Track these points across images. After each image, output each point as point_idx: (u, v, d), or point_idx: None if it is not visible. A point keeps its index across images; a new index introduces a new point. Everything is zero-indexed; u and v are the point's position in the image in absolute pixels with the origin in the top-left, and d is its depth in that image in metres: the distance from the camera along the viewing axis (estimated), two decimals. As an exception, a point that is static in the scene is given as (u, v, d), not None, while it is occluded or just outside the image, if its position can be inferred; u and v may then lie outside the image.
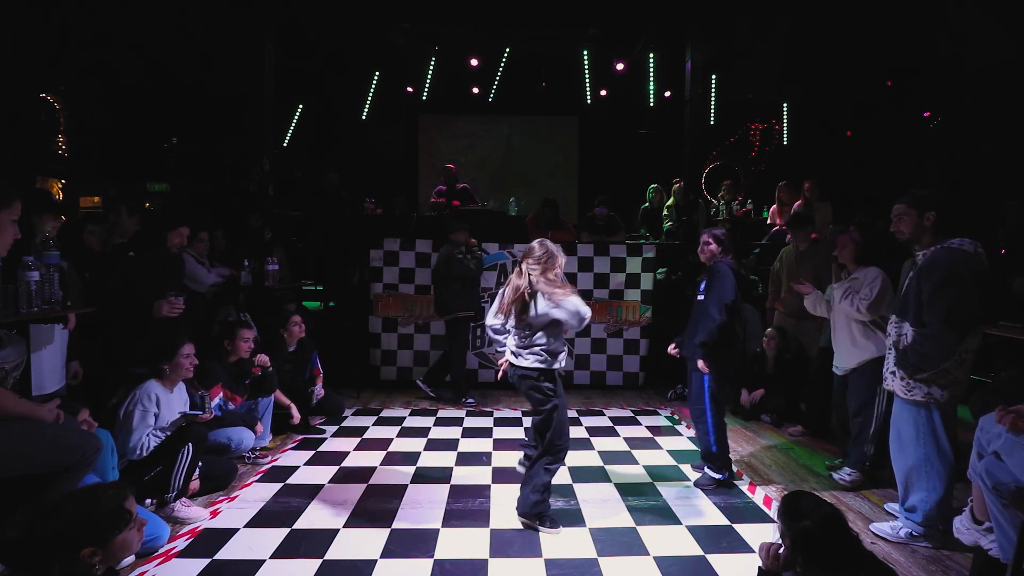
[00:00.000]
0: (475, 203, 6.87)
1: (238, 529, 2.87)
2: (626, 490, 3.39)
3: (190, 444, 2.96)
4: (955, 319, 2.57)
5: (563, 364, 2.96)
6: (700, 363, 3.29)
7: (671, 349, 3.69)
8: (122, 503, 1.74)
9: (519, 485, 3.34)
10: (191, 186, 7.79)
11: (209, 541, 2.75)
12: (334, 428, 4.50)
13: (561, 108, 9.45)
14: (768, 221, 7.03)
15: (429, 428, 4.55)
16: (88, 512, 1.65)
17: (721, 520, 3.02)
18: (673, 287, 6.06)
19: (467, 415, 4.93)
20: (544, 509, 2.92)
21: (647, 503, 3.22)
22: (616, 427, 4.64)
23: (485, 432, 4.48)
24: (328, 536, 2.81)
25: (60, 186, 7.53)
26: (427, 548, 2.70)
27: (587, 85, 8.58)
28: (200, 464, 3.14)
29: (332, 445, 4.15)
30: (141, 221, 3.74)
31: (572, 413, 4.95)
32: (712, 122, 8.93)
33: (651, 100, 8.20)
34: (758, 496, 3.33)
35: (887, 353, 2.91)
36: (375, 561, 2.59)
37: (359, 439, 4.27)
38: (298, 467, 3.71)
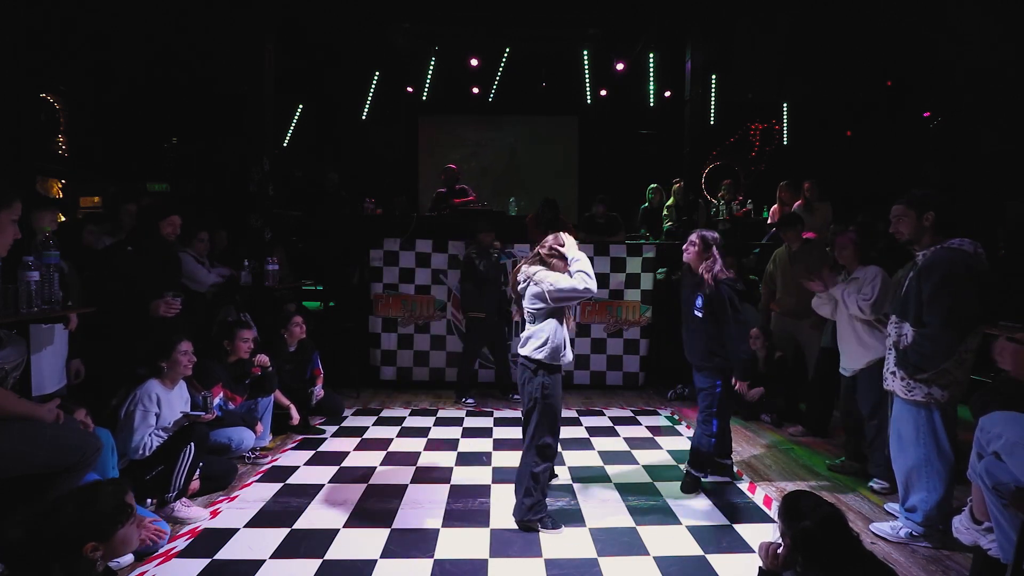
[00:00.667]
0: (475, 203, 6.86)
1: (238, 529, 2.87)
2: (626, 490, 3.39)
3: (192, 444, 2.96)
4: (955, 319, 2.57)
5: (564, 361, 2.93)
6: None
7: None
8: (122, 498, 1.74)
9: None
10: (191, 186, 7.79)
11: (209, 541, 2.75)
12: (334, 428, 4.50)
13: (561, 108, 9.44)
14: (768, 221, 7.03)
15: (429, 428, 4.55)
16: (89, 508, 1.66)
17: (721, 520, 3.02)
18: (673, 287, 6.06)
19: (467, 415, 4.93)
20: (541, 511, 2.90)
21: (647, 503, 3.22)
22: (616, 427, 4.64)
23: (485, 432, 4.48)
24: (328, 536, 2.81)
25: (60, 186, 7.53)
26: (427, 548, 2.70)
27: (587, 85, 8.57)
28: (200, 464, 3.14)
29: (332, 445, 4.15)
30: (136, 219, 3.76)
31: (572, 413, 4.96)
32: (712, 122, 8.93)
33: (651, 100, 8.20)
34: (758, 496, 3.33)
35: (887, 353, 2.91)
36: (375, 561, 2.59)
37: (359, 439, 4.27)
38: (298, 467, 3.71)
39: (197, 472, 3.13)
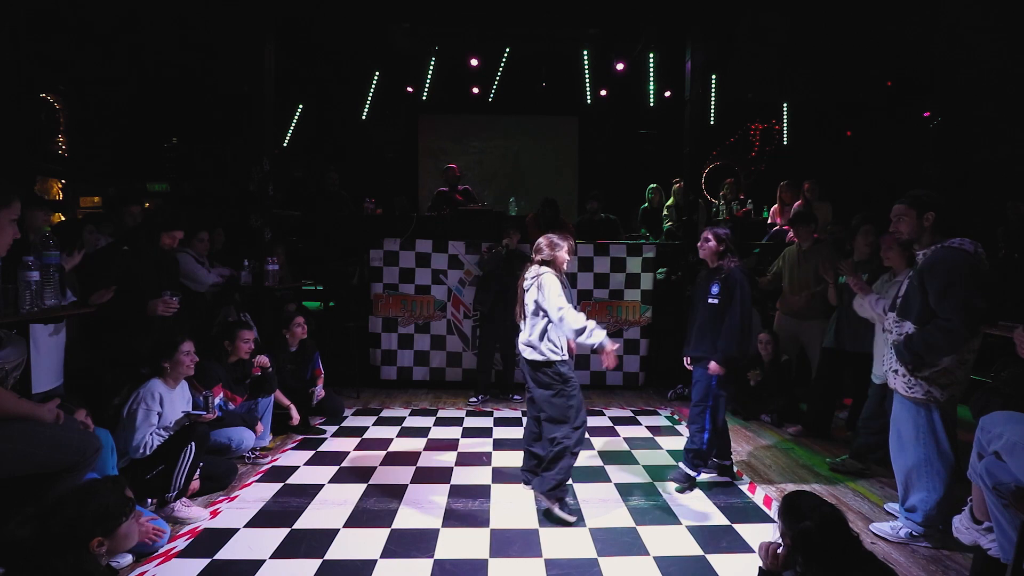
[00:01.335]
0: (475, 203, 6.86)
1: (238, 529, 2.87)
2: (626, 490, 3.40)
3: (193, 443, 2.96)
4: (969, 314, 2.56)
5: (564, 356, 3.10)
6: (714, 365, 3.28)
7: (687, 364, 3.62)
8: (122, 492, 1.75)
9: (519, 485, 3.36)
10: (191, 186, 7.79)
11: (209, 541, 2.75)
12: (334, 428, 4.50)
13: (561, 108, 9.44)
14: (768, 221, 7.03)
15: (429, 428, 4.55)
16: (91, 503, 1.67)
17: (721, 520, 3.02)
18: (673, 287, 6.06)
19: (467, 415, 4.93)
20: (563, 493, 3.02)
21: (647, 503, 3.23)
22: (616, 427, 4.64)
23: (485, 432, 4.48)
24: (328, 536, 2.81)
25: (60, 186, 7.53)
26: (427, 548, 2.70)
27: (587, 85, 8.56)
28: (200, 464, 3.14)
29: (332, 445, 4.15)
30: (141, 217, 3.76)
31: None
32: (712, 122, 8.92)
33: (651, 100, 8.19)
34: (758, 496, 3.33)
35: (888, 352, 2.91)
36: (375, 561, 2.59)
37: (359, 439, 4.27)
38: (298, 467, 3.71)
39: (197, 472, 3.13)
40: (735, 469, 3.65)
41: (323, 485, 3.43)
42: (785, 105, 9.17)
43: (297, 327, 4.44)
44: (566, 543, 2.77)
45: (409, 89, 8.89)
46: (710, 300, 3.37)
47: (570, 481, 3.51)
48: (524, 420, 4.73)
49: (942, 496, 2.70)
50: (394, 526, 2.92)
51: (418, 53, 8.24)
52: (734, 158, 9.43)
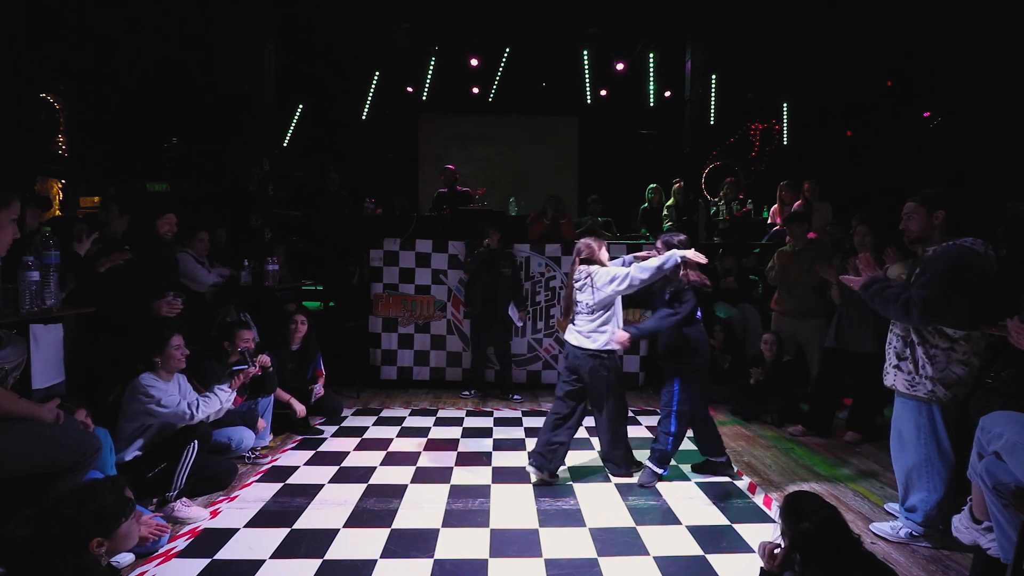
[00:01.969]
0: (474, 203, 6.87)
1: (238, 529, 2.87)
2: (626, 490, 3.39)
3: (196, 441, 2.96)
4: (937, 304, 2.55)
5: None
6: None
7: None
8: (121, 492, 1.75)
9: (519, 485, 3.37)
10: (191, 186, 7.79)
11: (209, 541, 2.75)
12: (334, 428, 4.50)
13: (561, 108, 9.44)
14: (768, 221, 7.03)
15: (429, 428, 4.55)
16: (91, 504, 1.67)
17: (721, 520, 3.02)
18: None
19: (467, 415, 4.93)
20: (629, 457, 3.58)
21: (647, 503, 3.23)
22: (616, 427, 4.63)
23: (485, 432, 4.48)
24: (328, 536, 2.81)
25: (60, 186, 7.53)
26: (427, 548, 2.70)
27: (587, 85, 8.56)
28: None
29: (332, 445, 4.15)
30: (131, 220, 3.73)
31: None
32: (712, 122, 8.92)
33: (651, 100, 8.19)
34: (758, 496, 3.33)
35: (888, 349, 2.91)
36: (375, 561, 2.59)
37: (359, 439, 4.27)
38: (298, 467, 3.71)
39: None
40: (735, 469, 3.65)
41: (323, 485, 3.43)
42: (785, 105, 9.17)
43: (301, 325, 4.48)
44: (566, 543, 2.77)
45: (409, 89, 8.89)
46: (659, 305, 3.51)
47: (570, 481, 3.52)
48: (525, 420, 4.76)
49: (942, 496, 2.70)
50: (394, 526, 2.92)
51: (418, 53, 8.25)
52: (734, 158, 9.44)
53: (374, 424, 4.65)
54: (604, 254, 3.52)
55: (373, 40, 7.70)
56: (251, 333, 3.92)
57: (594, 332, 3.41)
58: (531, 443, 4.19)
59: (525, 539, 2.80)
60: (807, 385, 5.01)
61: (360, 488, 3.38)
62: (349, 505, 3.15)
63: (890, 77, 8.14)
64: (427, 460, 3.87)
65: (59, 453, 2.18)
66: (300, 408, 4.25)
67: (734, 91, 8.79)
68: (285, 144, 8.70)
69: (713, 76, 8.44)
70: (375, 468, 3.70)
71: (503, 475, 3.59)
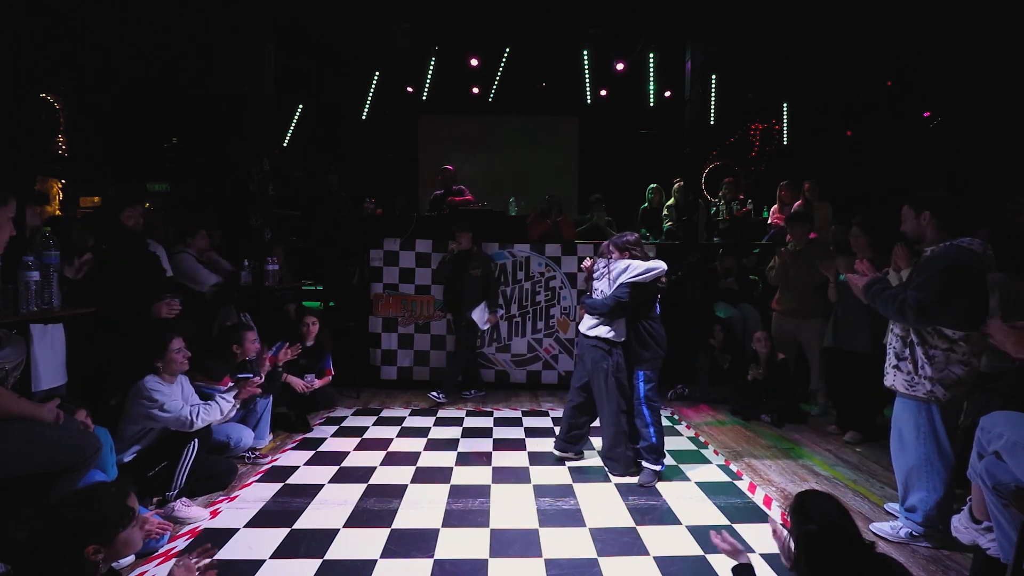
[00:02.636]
0: (474, 203, 6.87)
1: (238, 529, 2.87)
2: (626, 490, 3.39)
3: (196, 440, 2.96)
4: (932, 306, 2.57)
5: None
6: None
7: None
8: (124, 500, 1.74)
9: (519, 485, 3.39)
10: (191, 186, 7.79)
11: (209, 541, 2.73)
12: (334, 428, 4.50)
13: (561, 108, 9.43)
14: (768, 221, 7.04)
15: (429, 428, 4.55)
16: (90, 511, 1.66)
17: (721, 520, 3.02)
18: (673, 287, 6.05)
19: (467, 415, 4.93)
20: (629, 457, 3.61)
21: (647, 503, 3.23)
22: (616, 427, 4.63)
23: (485, 432, 4.48)
24: (328, 536, 2.81)
25: (60, 186, 7.52)
26: (427, 548, 2.70)
27: (587, 85, 8.56)
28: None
29: (332, 445, 4.15)
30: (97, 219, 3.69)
31: (572, 413, 4.96)
32: (712, 122, 8.92)
33: (651, 100, 8.19)
34: (758, 496, 3.33)
35: (888, 349, 2.92)
36: (375, 561, 2.59)
37: (359, 439, 4.27)
38: (298, 467, 3.71)
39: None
40: (735, 469, 3.65)
41: (323, 485, 3.43)
42: (785, 105, 9.17)
43: (313, 324, 4.59)
44: (566, 543, 2.77)
45: (409, 89, 8.89)
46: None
47: (570, 481, 3.52)
48: (525, 420, 4.76)
49: (942, 496, 2.70)
50: (394, 526, 2.92)
51: (418, 53, 8.24)
52: (734, 158, 9.44)
53: (374, 424, 4.65)
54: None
55: (373, 40, 7.69)
56: (255, 334, 3.95)
57: (596, 322, 3.60)
58: (531, 443, 4.20)
59: (525, 539, 2.80)
60: (807, 385, 5.02)
61: (360, 488, 3.38)
62: (349, 505, 3.15)
63: (890, 77, 8.13)
64: (427, 460, 3.87)
65: (59, 453, 2.18)
66: (298, 382, 4.31)
67: (734, 91, 8.78)
68: (285, 144, 8.70)
69: (713, 76, 8.44)
70: (375, 468, 3.70)
71: (503, 475, 3.59)
